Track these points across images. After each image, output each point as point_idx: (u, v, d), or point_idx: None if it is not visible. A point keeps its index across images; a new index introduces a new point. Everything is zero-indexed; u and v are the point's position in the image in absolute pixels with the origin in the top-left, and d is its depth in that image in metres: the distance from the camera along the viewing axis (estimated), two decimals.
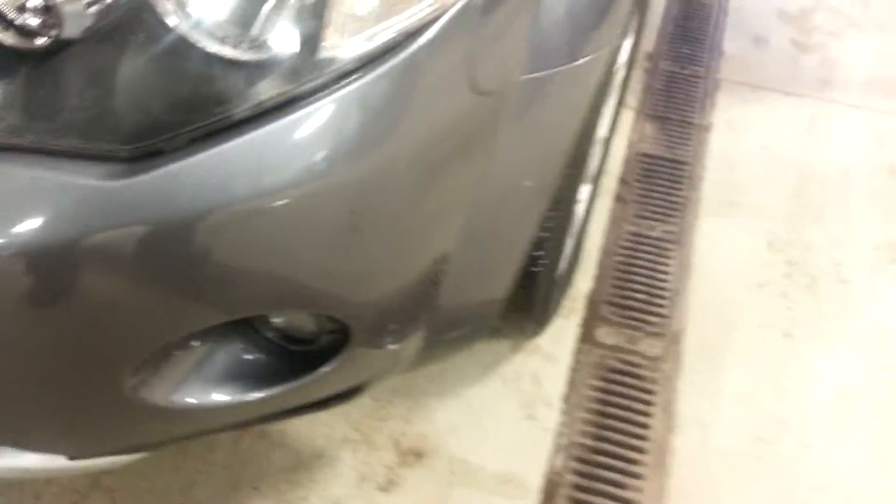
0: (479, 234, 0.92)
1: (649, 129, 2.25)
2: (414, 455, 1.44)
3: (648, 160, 2.14)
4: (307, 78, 0.68)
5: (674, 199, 2.03)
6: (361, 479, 1.40)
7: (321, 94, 0.69)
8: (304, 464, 1.41)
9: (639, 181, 2.07)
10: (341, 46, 0.69)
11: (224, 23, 0.67)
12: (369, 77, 0.69)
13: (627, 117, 2.27)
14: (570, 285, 1.71)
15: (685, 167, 2.12)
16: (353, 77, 0.69)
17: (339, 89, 0.69)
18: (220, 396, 0.81)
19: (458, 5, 0.74)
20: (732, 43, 2.62)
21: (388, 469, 1.41)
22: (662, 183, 2.07)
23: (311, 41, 0.68)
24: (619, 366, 1.63)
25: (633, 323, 1.72)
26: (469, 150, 0.82)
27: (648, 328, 1.70)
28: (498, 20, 0.80)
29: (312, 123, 0.68)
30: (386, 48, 0.70)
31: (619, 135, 2.20)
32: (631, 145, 2.18)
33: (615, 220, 1.95)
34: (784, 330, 1.73)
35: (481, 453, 1.45)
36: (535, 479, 1.44)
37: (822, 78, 2.50)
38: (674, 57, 2.53)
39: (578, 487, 1.43)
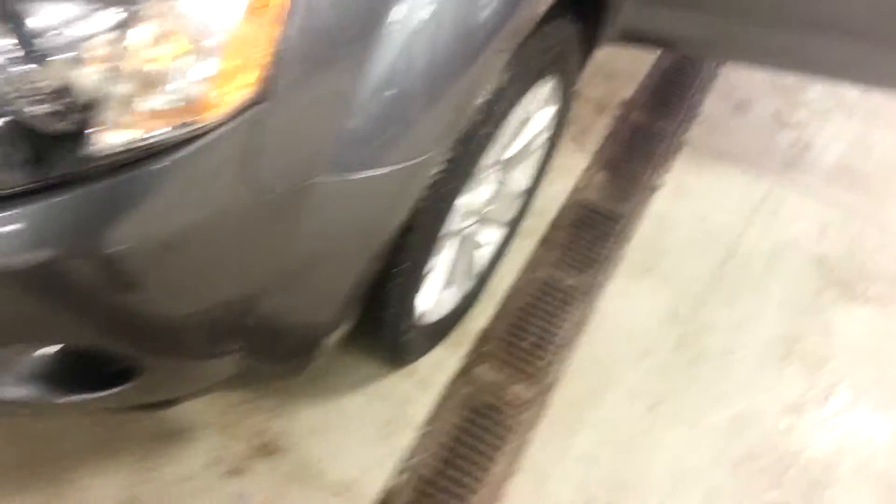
0: (292, 284, 1.06)
1: (599, 178, 2.33)
2: (267, 449, 1.58)
3: (586, 209, 2.23)
4: (67, 167, 0.81)
5: (596, 252, 2.12)
6: (212, 462, 1.55)
7: (79, 182, 0.81)
8: (167, 436, 1.56)
9: (569, 228, 2.17)
10: (107, 144, 0.81)
11: None
12: (133, 173, 0.82)
13: (581, 162, 2.36)
14: (449, 326, 1.79)
15: (618, 223, 2.21)
16: (114, 173, 0.82)
17: (99, 180, 0.81)
18: (21, 393, 0.96)
19: (230, 125, 0.85)
20: (712, 104, 2.68)
21: (238, 458, 1.56)
22: (591, 235, 2.16)
23: (76, 136, 0.81)
24: (486, 404, 1.75)
25: (513, 366, 1.83)
26: (254, 233, 0.95)
27: (525, 374, 1.82)
28: (284, 134, 0.91)
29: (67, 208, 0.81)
30: (157, 149, 0.83)
31: (567, 178, 2.30)
32: (575, 191, 2.27)
33: (533, 264, 2.05)
34: (651, 402, 1.83)
35: (330, 459, 1.59)
36: (371, 493, 1.57)
37: (788, 158, 2.56)
38: (648, 108, 2.60)
39: None
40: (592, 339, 1.92)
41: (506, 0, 1.10)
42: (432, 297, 1.59)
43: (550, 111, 1.69)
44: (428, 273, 1.51)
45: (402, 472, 1.60)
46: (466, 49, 1.09)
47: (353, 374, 1.69)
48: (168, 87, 0.82)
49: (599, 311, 1.99)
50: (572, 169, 2.35)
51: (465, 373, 1.79)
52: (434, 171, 1.21)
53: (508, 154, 1.66)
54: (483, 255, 1.82)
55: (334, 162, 1.00)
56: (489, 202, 1.65)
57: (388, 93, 1.02)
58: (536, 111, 1.66)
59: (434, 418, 1.69)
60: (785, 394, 1.90)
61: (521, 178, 1.82)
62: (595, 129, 2.50)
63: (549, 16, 1.45)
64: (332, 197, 1.04)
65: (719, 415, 1.85)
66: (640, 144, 2.47)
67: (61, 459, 1.49)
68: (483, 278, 1.87)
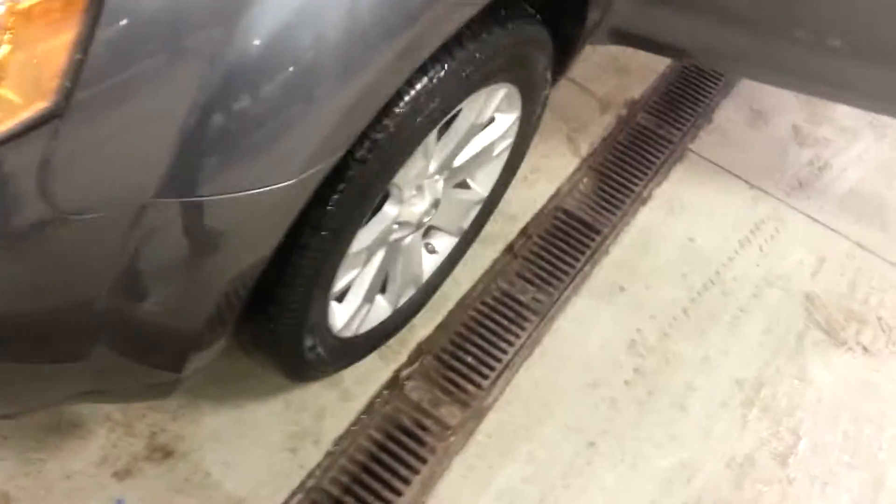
0: (137, 296, 0.97)
1: (585, 184, 2.18)
2: (163, 452, 1.51)
3: (563, 218, 2.08)
4: None
5: (565, 267, 1.98)
6: (103, 460, 1.47)
7: None
8: (61, 428, 1.49)
9: (541, 238, 2.03)
10: None
11: None
12: None
13: (570, 165, 2.20)
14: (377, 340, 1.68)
15: (596, 237, 2.06)
16: None
17: None
18: None
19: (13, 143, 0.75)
20: (726, 112, 2.49)
21: (131, 458, 1.49)
22: (563, 247, 2.02)
23: None
24: (408, 424, 1.65)
25: (447, 386, 1.72)
26: (71, 251, 0.86)
27: (459, 396, 1.71)
28: (90, 153, 0.81)
29: None
30: None
31: (551, 181, 2.15)
32: (556, 196, 2.12)
33: (491, 273, 1.92)
34: (591, 438, 1.71)
35: (226, 471, 1.51)
36: None
37: (801, 178, 2.36)
38: (656, 111, 2.42)
39: None
40: (540, 364, 1.80)
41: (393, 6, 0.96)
42: (350, 310, 1.47)
43: (510, 118, 1.55)
44: (341, 287, 1.40)
45: (299, 491, 1.51)
46: (349, 54, 0.96)
47: (273, 379, 1.59)
48: None
49: (555, 332, 1.86)
50: (559, 171, 2.20)
51: (391, 388, 1.68)
52: (328, 189, 1.09)
53: (458, 162, 1.52)
54: (431, 264, 1.70)
55: (174, 183, 0.89)
56: (429, 212, 1.52)
57: (242, 106, 0.89)
58: (490, 117, 1.51)
59: (346, 436, 1.59)
60: (740, 444, 1.75)
61: (477, 185, 1.68)
62: (593, 129, 2.33)
63: (502, 17, 1.31)
64: (173, 219, 0.93)
65: (665, 459, 1.71)
66: (639, 150, 2.30)
67: None
68: (431, 287, 1.75)
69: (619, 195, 2.17)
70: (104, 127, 0.81)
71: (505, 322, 1.85)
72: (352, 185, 1.15)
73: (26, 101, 0.76)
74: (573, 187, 2.16)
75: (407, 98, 1.16)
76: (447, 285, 1.82)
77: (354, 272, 1.44)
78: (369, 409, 1.65)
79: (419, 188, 1.46)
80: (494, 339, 1.81)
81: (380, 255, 1.48)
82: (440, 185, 1.52)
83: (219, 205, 0.92)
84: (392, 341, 1.72)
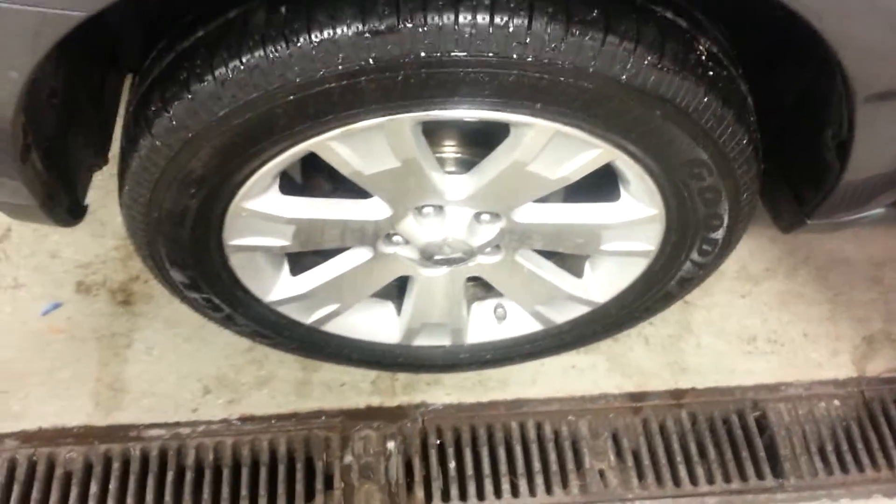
0: None
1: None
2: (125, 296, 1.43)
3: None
4: None
5: None
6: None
7: None
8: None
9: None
10: None
11: None
12: None
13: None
14: None
15: None
16: None
17: None
18: None
19: None
20: None
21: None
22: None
23: None
24: None
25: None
26: None
27: None
28: None
29: None
30: None
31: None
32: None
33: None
34: None
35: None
36: None
37: None
38: None
39: None
40: None
41: None
42: (296, 290, 1.16)
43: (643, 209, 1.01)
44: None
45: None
46: None
47: None
48: None
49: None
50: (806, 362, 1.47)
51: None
52: None
53: (523, 219, 1.07)
54: (488, 327, 1.29)
55: None
56: (452, 247, 1.10)
57: None
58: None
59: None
60: None
61: (580, 279, 1.18)
62: None
63: None
64: None
65: None
66: None
67: None
68: (483, 356, 1.33)
69: None
70: None
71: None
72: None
73: None
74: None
75: None
76: (507, 372, 1.36)
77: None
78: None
79: (439, 209, 1.05)
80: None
81: (356, 256, 1.12)
82: (490, 230, 1.08)
83: None
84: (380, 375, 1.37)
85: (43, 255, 1.48)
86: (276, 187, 0.98)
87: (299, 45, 0.73)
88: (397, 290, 1.27)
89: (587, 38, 0.73)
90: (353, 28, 0.72)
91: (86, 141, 1.09)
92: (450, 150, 1.05)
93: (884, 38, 0.75)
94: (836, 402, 1.43)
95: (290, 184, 1.10)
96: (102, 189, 1.48)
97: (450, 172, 1.03)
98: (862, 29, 0.74)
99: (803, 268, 1.57)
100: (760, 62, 0.92)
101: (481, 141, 1.01)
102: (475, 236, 1.09)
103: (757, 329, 1.49)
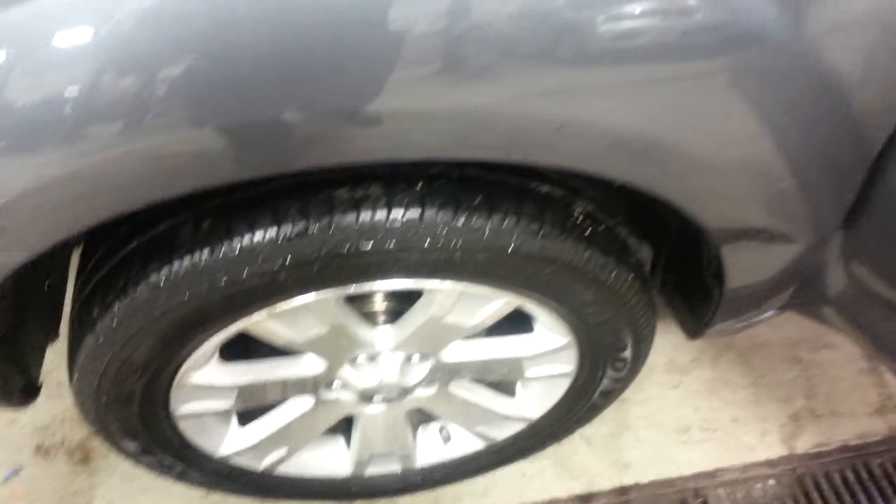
0: None
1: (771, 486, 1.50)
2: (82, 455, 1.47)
3: None
4: None
5: None
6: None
7: None
8: None
9: None
10: None
11: None
12: None
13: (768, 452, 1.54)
14: None
15: None
16: None
17: None
18: None
19: None
20: None
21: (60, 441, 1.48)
22: None
23: None
24: None
25: None
26: None
27: None
28: None
29: None
30: None
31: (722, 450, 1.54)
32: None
33: None
34: None
35: None
36: None
37: None
38: None
39: None
40: None
41: None
42: (248, 441, 1.23)
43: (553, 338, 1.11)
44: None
45: None
46: None
47: None
48: None
49: None
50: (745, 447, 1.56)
51: None
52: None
53: (451, 359, 1.16)
54: (433, 450, 1.35)
55: None
56: (387, 388, 1.19)
57: None
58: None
59: None
60: None
61: (513, 399, 1.27)
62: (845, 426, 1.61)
63: None
64: None
65: None
66: None
67: None
68: (425, 477, 1.40)
69: None
70: None
71: None
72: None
73: None
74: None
75: None
76: (460, 487, 1.42)
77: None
78: None
79: (371, 357, 1.14)
80: None
81: (300, 404, 1.20)
82: (422, 369, 1.17)
83: None
84: None
85: (0, 423, 1.53)
86: (215, 358, 1.07)
87: (222, 252, 0.83)
88: (345, 423, 1.34)
89: (474, 220, 0.84)
90: (269, 235, 0.82)
91: (36, 325, 1.16)
92: (379, 304, 1.15)
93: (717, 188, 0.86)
94: (772, 482, 1.52)
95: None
96: (57, 351, 1.53)
97: (383, 322, 1.13)
98: (697, 184, 0.85)
99: (726, 354, 1.68)
100: (635, 210, 1.03)
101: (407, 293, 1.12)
102: (408, 376, 1.17)
103: (690, 418, 1.59)
